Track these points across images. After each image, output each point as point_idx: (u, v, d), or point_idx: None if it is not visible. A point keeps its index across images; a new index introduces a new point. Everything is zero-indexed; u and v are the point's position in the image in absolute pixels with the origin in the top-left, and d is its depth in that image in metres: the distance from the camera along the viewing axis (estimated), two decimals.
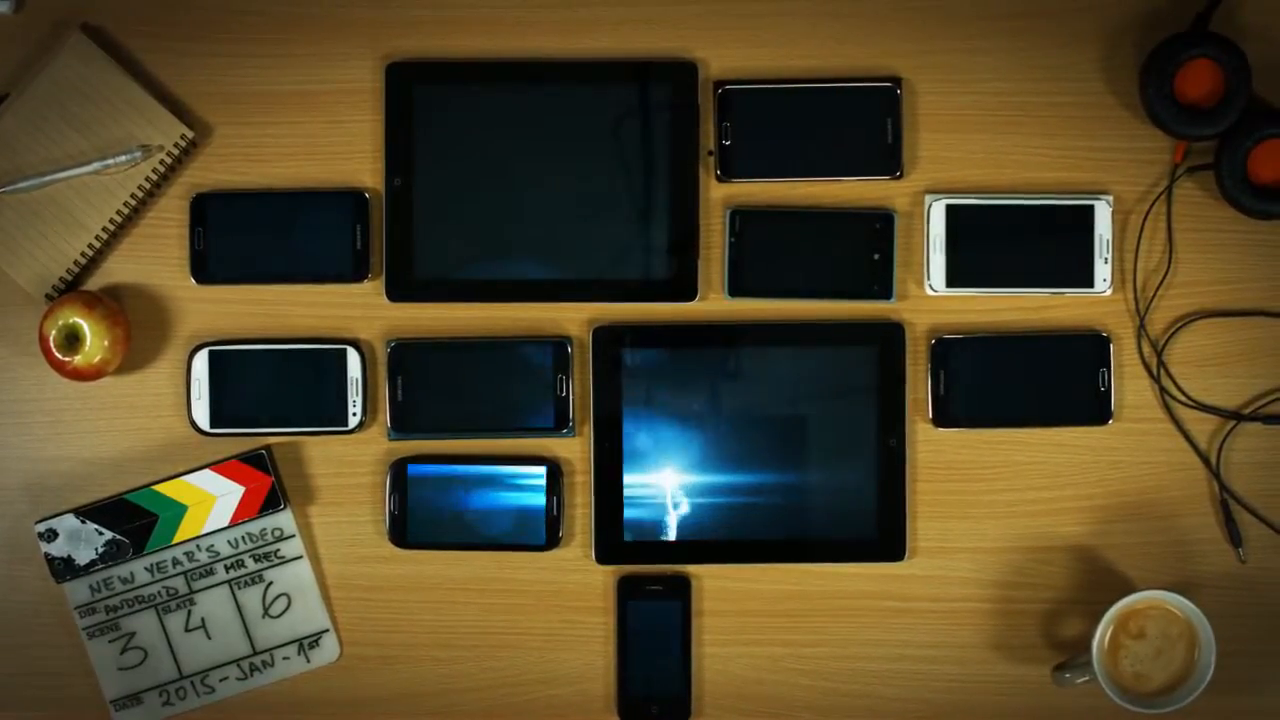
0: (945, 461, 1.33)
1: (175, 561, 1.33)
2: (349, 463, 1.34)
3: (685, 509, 1.32)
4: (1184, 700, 1.24)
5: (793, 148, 1.33)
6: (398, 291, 1.33)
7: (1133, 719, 1.27)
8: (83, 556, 1.32)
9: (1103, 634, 1.25)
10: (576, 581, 1.34)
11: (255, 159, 1.34)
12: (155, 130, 1.32)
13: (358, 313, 1.34)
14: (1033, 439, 1.33)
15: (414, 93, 1.33)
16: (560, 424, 1.33)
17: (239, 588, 1.34)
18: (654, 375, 1.32)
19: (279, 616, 1.34)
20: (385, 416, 1.33)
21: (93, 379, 1.31)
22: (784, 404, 1.32)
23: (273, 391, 1.33)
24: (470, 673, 1.34)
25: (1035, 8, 1.33)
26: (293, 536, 1.34)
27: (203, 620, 1.34)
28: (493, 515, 1.32)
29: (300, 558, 1.34)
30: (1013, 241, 1.32)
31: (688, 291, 1.32)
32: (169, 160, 1.32)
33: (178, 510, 1.33)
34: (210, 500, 1.33)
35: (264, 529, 1.33)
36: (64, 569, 1.32)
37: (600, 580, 1.34)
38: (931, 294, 1.33)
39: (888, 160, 1.32)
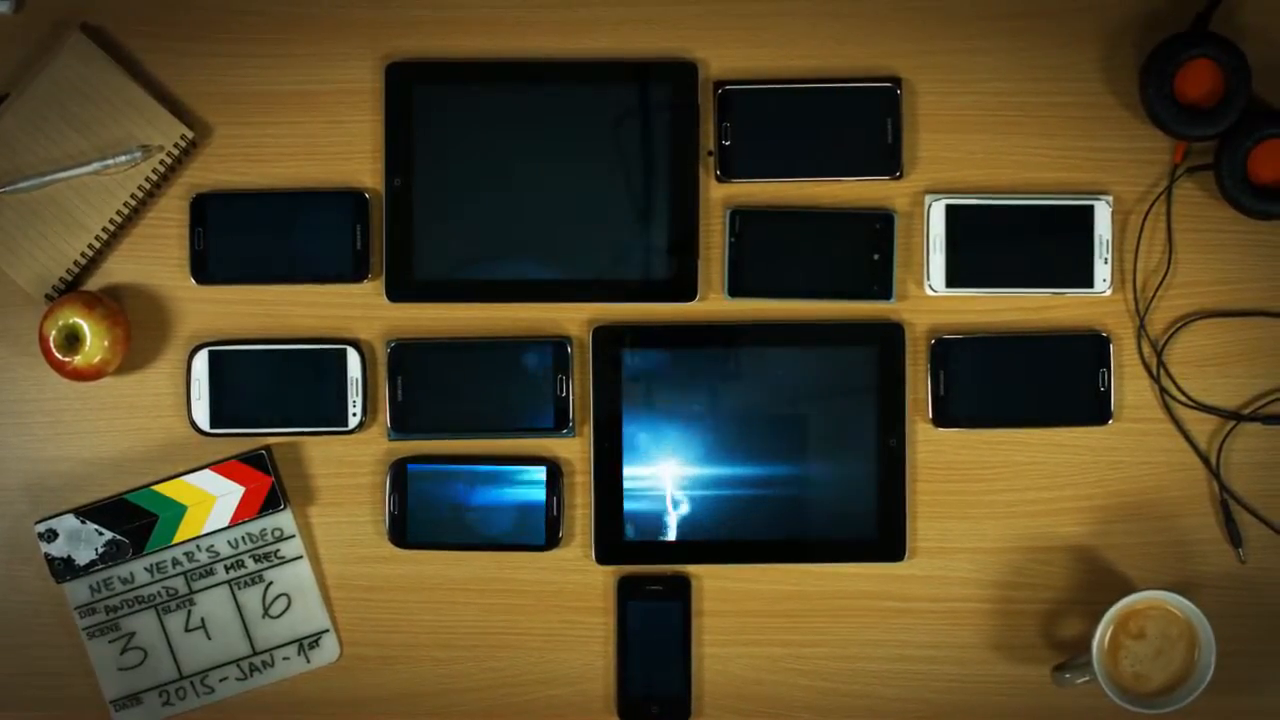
0: (945, 461, 1.33)
1: (175, 562, 1.33)
2: (349, 463, 1.34)
3: (685, 509, 1.32)
4: (1184, 700, 1.24)
5: (792, 148, 1.33)
6: (398, 292, 1.33)
7: (1133, 719, 1.27)
8: (83, 557, 1.32)
9: (1103, 634, 1.25)
10: (576, 581, 1.34)
11: (255, 159, 1.34)
12: (155, 130, 1.32)
13: (358, 313, 1.34)
14: (1033, 439, 1.33)
15: (414, 93, 1.33)
16: (560, 424, 1.33)
17: (239, 588, 1.34)
18: (654, 375, 1.32)
19: (279, 617, 1.34)
20: (385, 417, 1.33)
21: (93, 379, 1.31)
22: (784, 404, 1.32)
23: (273, 392, 1.33)
24: (470, 673, 1.34)
25: (1035, 8, 1.33)
26: (293, 537, 1.34)
27: (202, 620, 1.34)
28: (493, 515, 1.32)
29: (300, 558, 1.34)
30: (1012, 242, 1.32)
31: (688, 292, 1.32)
32: (169, 160, 1.32)
33: (178, 510, 1.33)
34: (210, 500, 1.33)
35: (264, 529, 1.33)
36: (64, 569, 1.32)
37: (600, 580, 1.34)
38: (931, 294, 1.33)
39: (888, 160, 1.32)
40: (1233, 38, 1.28)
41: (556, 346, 1.33)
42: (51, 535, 1.32)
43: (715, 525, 1.32)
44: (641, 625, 1.33)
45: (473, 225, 1.32)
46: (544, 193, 1.32)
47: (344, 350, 1.33)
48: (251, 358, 1.33)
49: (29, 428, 1.35)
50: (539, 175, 1.32)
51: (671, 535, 1.32)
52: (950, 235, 1.32)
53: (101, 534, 1.32)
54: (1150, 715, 1.26)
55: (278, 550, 1.34)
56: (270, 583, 1.34)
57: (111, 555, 1.32)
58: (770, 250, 1.32)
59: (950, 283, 1.32)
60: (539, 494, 1.32)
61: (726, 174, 1.33)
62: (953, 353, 1.32)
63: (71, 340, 1.29)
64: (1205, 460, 1.33)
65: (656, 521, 1.32)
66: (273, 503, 1.33)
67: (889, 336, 1.32)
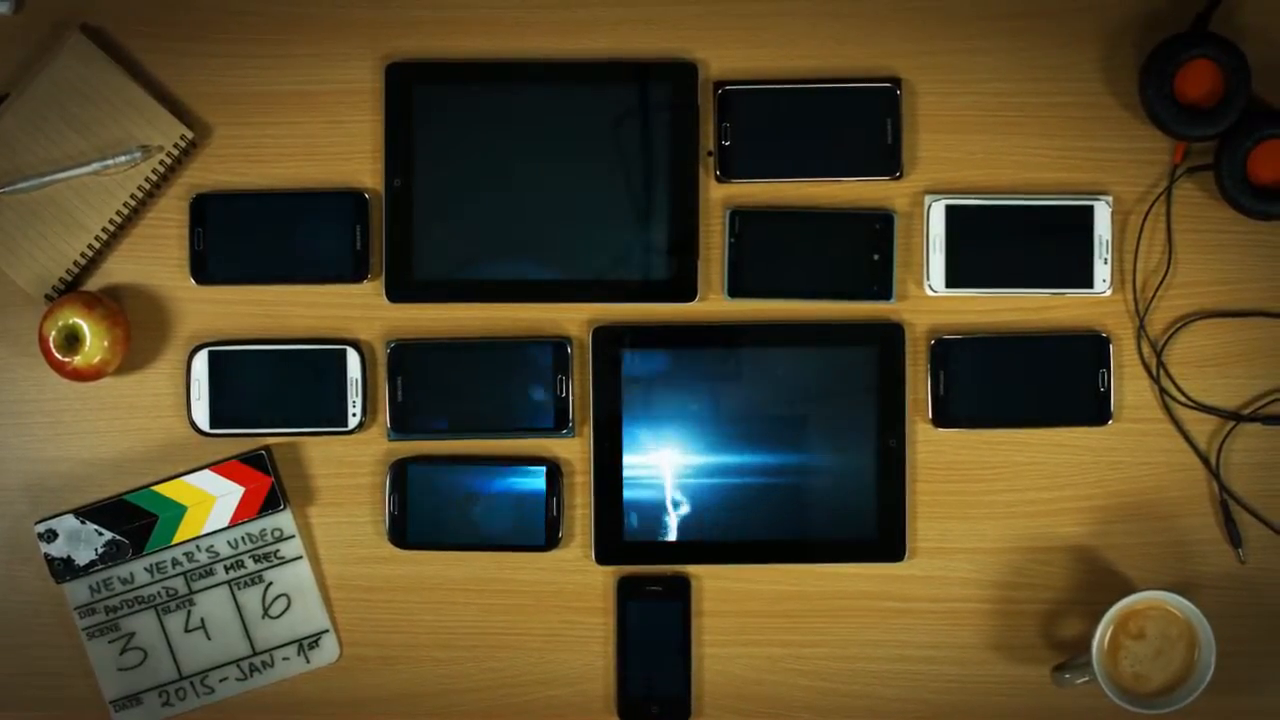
0: (945, 462, 1.33)
1: (175, 562, 1.33)
2: (349, 463, 1.34)
3: (685, 509, 1.32)
4: (1184, 700, 1.24)
5: (792, 148, 1.33)
6: (397, 292, 1.33)
7: (1132, 719, 1.27)
8: (82, 557, 1.32)
9: (1102, 634, 1.25)
10: (576, 582, 1.34)
11: (255, 159, 1.34)
12: (155, 130, 1.32)
13: (357, 313, 1.34)
14: (1032, 439, 1.33)
15: (414, 93, 1.33)
16: (560, 424, 1.33)
17: (239, 588, 1.34)
18: (654, 376, 1.32)
19: (279, 617, 1.34)
20: (385, 417, 1.33)
21: (92, 379, 1.31)
22: (784, 404, 1.32)
23: (272, 392, 1.33)
24: (470, 673, 1.34)
25: (1035, 8, 1.33)
26: (292, 537, 1.34)
27: (202, 621, 1.34)
28: (492, 515, 1.32)
29: (300, 558, 1.34)
30: (1012, 242, 1.32)
31: (687, 292, 1.32)
32: (169, 160, 1.32)
33: (177, 511, 1.33)
34: (210, 501, 1.33)
35: (264, 529, 1.33)
36: (64, 569, 1.32)
37: (600, 581, 1.34)
38: (931, 294, 1.33)
39: (887, 161, 1.32)
40: (1233, 38, 1.28)
41: (556, 347, 1.33)
42: (51, 535, 1.32)
43: (715, 525, 1.32)
44: (641, 625, 1.33)
45: (472, 225, 1.32)
46: (544, 193, 1.32)
47: (344, 350, 1.33)
48: (251, 358, 1.33)
49: (29, 428, 1.35)
50: (539, 175, 1.32)
51: (671, 535, 1.32)
52: (950, 235, 1.32)
53: (101, 534, 1.32)
54: (1150, 715, 1.26)
55: (277, 550, 1.34)
56: (270, 583, 1.34)
57: (111, 555, 1.32)
58: (770, 250, 1.32)
59: (950, 283, 1.32)
60: (539, 494, 1.32)
61: (726, 174, 1.33)
62: (952, 353, 1.32)
63: (71, 340, 1.29)
64: (1205, 460, 1.33)
65: (656, 521, 1.32)
66: (272, 503, 1.33)
67: (889, 337, 1.32)
